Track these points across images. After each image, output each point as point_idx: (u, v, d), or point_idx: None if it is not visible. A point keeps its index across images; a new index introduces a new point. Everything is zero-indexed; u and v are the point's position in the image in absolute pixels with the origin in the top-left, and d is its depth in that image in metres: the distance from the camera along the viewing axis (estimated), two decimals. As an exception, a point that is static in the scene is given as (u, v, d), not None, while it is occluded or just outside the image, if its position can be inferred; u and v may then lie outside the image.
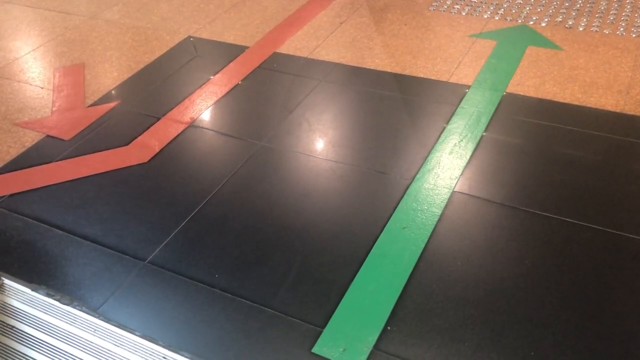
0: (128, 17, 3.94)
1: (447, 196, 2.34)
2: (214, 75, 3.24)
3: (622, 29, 3.50)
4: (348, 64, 3.29)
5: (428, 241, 2.14)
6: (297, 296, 1.96)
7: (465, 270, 2.03)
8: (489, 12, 3.77)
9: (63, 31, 3.79)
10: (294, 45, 3.50)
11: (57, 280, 2.06)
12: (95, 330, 1.88)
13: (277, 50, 3.45)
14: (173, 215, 2.31)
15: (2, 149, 2.73)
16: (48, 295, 2.00)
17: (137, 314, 1.93)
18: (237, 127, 2.82)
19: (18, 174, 2.57)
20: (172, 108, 2.97)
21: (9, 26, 3.90)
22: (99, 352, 1.81)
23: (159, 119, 2.89)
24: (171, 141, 2.73)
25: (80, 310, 1.95)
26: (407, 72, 3.20)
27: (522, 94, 2.96)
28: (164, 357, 1.80)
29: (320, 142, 2.70)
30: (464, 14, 3.78)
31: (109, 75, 3.30)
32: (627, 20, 3.60)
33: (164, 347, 1.82)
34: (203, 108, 2.96)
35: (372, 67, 3.24)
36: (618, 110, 2.81)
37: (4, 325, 1.91)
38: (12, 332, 1.89)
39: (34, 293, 2.02)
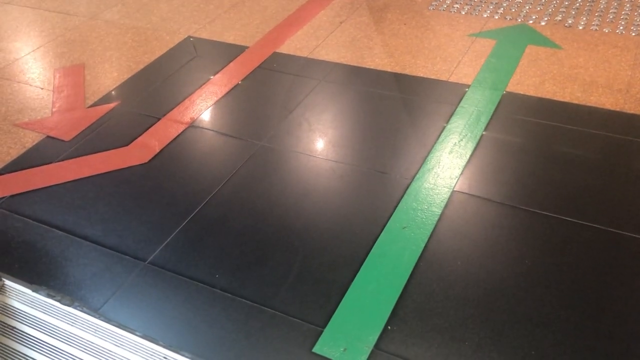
0: (128, 17, 3.94)
1: (447, 195, 2.34)
2: (214, 75, 3.24)
3: (621, 28, 3.50)
4: (348, 64, 3.29)
5: (428, 241, 2.15)
6: (298, 296, 1.97)
7: (465, 270, 2.03)
8: (488, 11, 3.77)
9: (63, 32, 3.79)
10: (294, 45, 3.50)
11: (58, 281, 2.06)
12: (96, 330, 1.88)
13: (277, 50, 3.45)
14: (173, 216, 2.31)
15: (3, 149, 2.73)
16: (49, 295, 2.01)
17: (138, 314, 1.93)
18: (237, 127, 2.82)
19: (18, 175, 2.58)
20: (172, 108, 2.97)
21: (8, 27, 3.90)
22: (100, 353, 1.82)
23: (159, 119, 2.89)
24: (171, 141, 2.74)
25: (80, 310, 1.95)
26: (406, 71, 3.20)
27: (521, 93, 2.96)
28: (164, 357, 1.80)
29: (320, 142, 2.70)
30: (463, 13, 3.78)
31: (109, 75, 3.30)
32: (626, 18, 3.60)
33: (164, 347, 1.82)
34: (203, 108, 2.96)
35: (371, 67, 3.24)
36: (618, 109, 2.81)
37: (4, 326, 1.92)
38: (13, 333, 1.89)
39: (34, 294, 2.02)
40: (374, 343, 1.81)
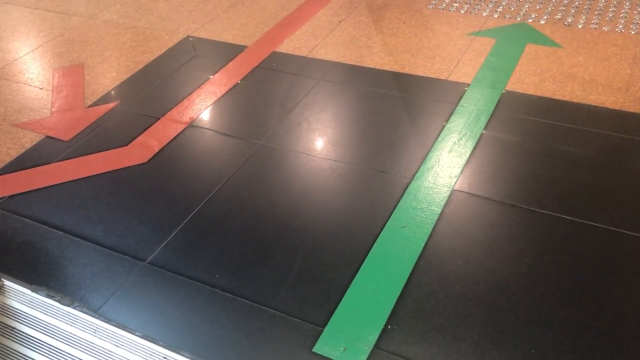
0: (127, 17, 3.93)
1: (446, 195, 2.34)
2: (213, 74, 3.24)
3: (621, 26, 3.50)
4: (347, 63, 3.28)
5: (428, 240, 2.14)
6: (298, 296, 1.97)
7: (465, 269, 2.03)
8: (487, 10, 3.77)
9: (62, 32, 3.78)
10: (293, 45, 3.50)
11: (58, 281, 2.06)
12: (95, 330, 1.88)
13: (276, 50, 3.45)
14: (173, 215, 2.31)
15: (2, 150, 2.73)
16: (48, 296, 2.00)
17: (138, 314, 1.93)
18: (237, 127, 2.82)
19: (18, 175, 2.57)
20: (172, 108, 2.97)
21: (7, 27, 3.89)
22: (100, 353, 1.82)
23: (158, 119, 2.89)
24: (171, 141, 2.73)
25: (80, 311, 1.95)
26: (406, 70, 3.19)
27: (521, 91, 2.96)
28: (164, 358, 1.80)
29: (319, 141, 2.70)
30: (462, 12, 3.77)
31: (108, 75, 3.29)
32: (626, 17, 3.60)
33: (164, 347, 1.82)
34: (202, 108, 2.96)
35: (371, 66, 3.24)
36: (617, 108, 2.81)
37: (4, 327, 1.91)
38: (13, 333, 1.89)
39: (34, 294, 2.02)
40: (374, 342, 1.81)
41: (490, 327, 1.84)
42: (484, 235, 2.16)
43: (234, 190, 2.42)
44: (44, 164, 2.63)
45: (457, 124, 2.74)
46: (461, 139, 2.64)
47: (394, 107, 2.90)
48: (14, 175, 2.57)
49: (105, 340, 1.85)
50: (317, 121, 2.82)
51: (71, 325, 1.90)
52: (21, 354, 1.83)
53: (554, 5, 3.78)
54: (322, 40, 3.53)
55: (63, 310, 1.95)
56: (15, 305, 1.98)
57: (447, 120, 2.77)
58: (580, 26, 3.54)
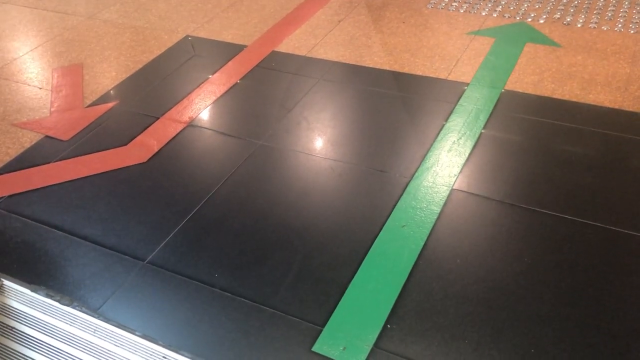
0: (126, 16, 3.93)
1: (446, 194, 2.34)
2: (213, 74, 3.24)
3: (620, 26, 3.50)
4: (346, 62, 3.28)
5: (427, 239, 2.15)
6: (297, 295, 1.97)
7: (464, 268, 2.03)
8: (487, 10, 3.77)
9: (61, 31, 3.78)
10: (292, 44, 3.50)
11: (57, 281, 2.06)
12: (95, 330, 1.88)
13: (276, 49, 3.45)
14: (172, 215, 2.31)
15: (1, 149, 2.73)
16: (48, 296, 2.00)
17: (137, 314, 1.93)
18: (236, 126, 2.82)
19: (17, 175, 2.57)
20: (171, 108, 2.96)
21: (6, 26, 3.89)
22: (99, 353, 1.82)
23: (157, 118, 2.89)
24: (170, 141, 2.73)
25: (80, 310, 1.95)
26: (405, 70, 3.19)
27: (520, 91, 2.96)
28: (164, 357, 1.80)
29: (319, 141, 2.70)
30: (462, 11, 3.77)
31: (107, 75, 3.29)
32: (625, 16, 3.60)
33: (164, 346, 1.82)
34: (202, 107, 2.96)
35: (370, 65, 3.24)
36: (616, 107, 2.81)
37: (3, 326, 1.91)
38: (12, 333, 1.89)
39: (33, 294, 2.02)
40: (373, 342, 1.81)
41: (490, 326, 1.84)
42: (483, 235, 2.16)
43: (233, 190, 2.42)
44: (43, 164, 2.63)
45: (456, 123, 2.74)
46: (460, 138, 2.64)
47: (393, 106, 2.90)
48: (13, 175, 2.57)
49: (105, 340, 1.85)
50: (317, 121, 2.82)
51: (71, 325, 1.90)
52: (21, 353, 1.83)
53: (553, 4, 3.78)
54: (321, 39, 3.53)
55: (62, 309, 1.95)
56: (15, 304, 1.98)
57: (446, 120, 2.77)
58: (579, 25, 3.54)
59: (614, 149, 2.54)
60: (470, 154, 2.55)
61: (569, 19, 3.61)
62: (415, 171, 2.47)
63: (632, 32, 3.43)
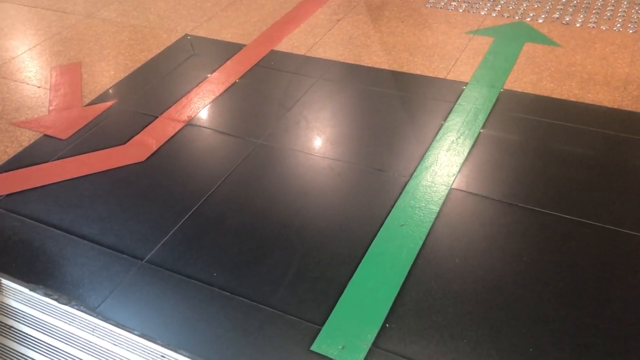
0: (125, 15, 3.93)
1: (444, 193, 2.34)
2: (212, 73, 3.23)
3: (619, 25, 3.50)
4: (345, 62, 3.28)
5: (426, 238, 2.15)
6: (296, 294, 1.96)
7: (463, 267, 2.03)
8: (486, 9, 3.77)
9: (60, 30, 3.78)
10: (291, 43, 3.49)
11: (55, 280, 2.06)
12: (93, 329, 1.88)
13: (275, 48, 3.45)
14: (171, 214, 2.31)
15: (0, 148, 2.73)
16: (46, 294, 2.00)
17: (136, 313, 1.93)
18: (235, 126, 2.81)
19: (15, 174, 2.57)
20: (170, 107, 2.96)
21: (5, 25, 3.89)
22: (98, 352, 1.81)
23: (156, 117, 2.89)
24: (169, 140, 2.73)
25: (78, 309, 1.94)
26: (404, 69, 3.19)
27: (519, 90, 2.96)
28: (162, 356, 1.79)
29: (318, 140, 2.69)
30: (461, 10, 3.77)
31: (105, 74, 3.29)
32: (624, 16, 3.61)
33: (162, 346, 1.82)
34: (200, 106, 2.96)
35: (369, 65, 3.24)
36: (615, 106, 2.81)
37: (2, 325, 1.91)
38: (11, 332, 1.88)
39: (32, 293, 2.01)
40: (372, 341, 1.81)
41: (489, 326, 1.84)
42: (482, 234, 2.16)
43: (232, 189, 2.42)
44: (42, 163, 2.62)
45: (455, 122, 2.74)
46: (459, 137, 2.64)
47: (392, 105, 2.90)
48: (12, 174, 2.57)
49: (103, 339, 1.85)
50: (316, 120, 2.82)
51: (69, 324, 1.90)
52: (19, 352, 1.83)
53: (552, 3, 3.78)
54: (320, 39, 3.52)
55: (61, 309, 1.95)
56: (13, 304, 1.98)
57: (445, 119, 2.77)
58: (578, 25, 3.54)
59: (613, 149, 2.54)
60: (469, 154, 2.55)
61: (567, 19, 3.61)
62: (414, 170, 2.47)
63: (630, 31, 3.43)
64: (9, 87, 3.21)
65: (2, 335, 1.88)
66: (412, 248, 2.11)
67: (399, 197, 2.34)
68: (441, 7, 3.83)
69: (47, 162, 2.63)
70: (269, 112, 2.88)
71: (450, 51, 3.33)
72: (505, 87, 2.99)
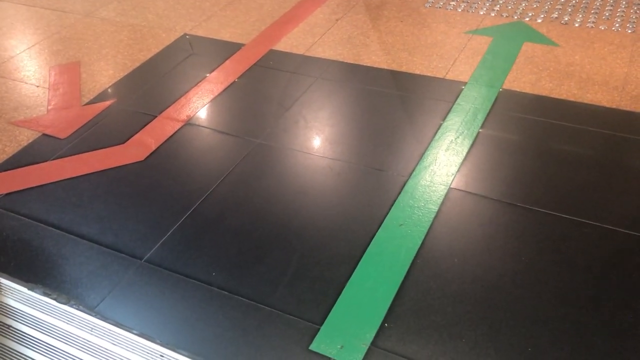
0: (123, 15, 3.93)
1: (443, 193, 2.35)
2: (210, 72, 3.23)
3: (617, 25, 3.51)
4: (344, 61, 3.28)
5: (425, 238, 2.15)
6: (295, 294, 1.96)
7: (462, 267, 2.03)
8: (485, 9, 3.77)
9: (58, 29, 3.77)
10: (290, 43, 3.49)
11: (54, 279, 2.06)
12: (92, 329, 1.88)
13: (274, 48, 3.45)
14: (170, 214, 2.30)
15: (-2, 148, 2.73)
16: (45, 294, 2.00)
17: (135, 312, 1.93)
18: (234, 125, 2.81)
19: (14, 173, 2.57)
20: (169, 106, 2.96)
21: (3, 24, 3.88)
22: (97, 351, 1.81)
23: (155, 117, 2.88)
24: (168, 139, 2.73)
25: (77, 309, 1.94)
26: (403, 69, 3.19)
27: (518, 90, 2.96)
28: (161, 356, 1.79)
29: (317, 140, 2.69)
30: (460, 10, 3.78)
31: (104, 73, 3.29)
32: (622, 16, 3.61)
33: (161, 345, 1.82)
34: (199, 106, 2.96)
35: (368, 64, 3.24)
36: (614, 106, 2.81)
37: (1, 325, 1.91)
38: (9, 332, 1.88)
39: (30, 292, 2.01)
40: (370, 340, 1.81)
41: (487, 325, 1.84)
42: (480, 234, 2.16)
43: (231, 189, 2.42)
44: (41, 162, 2.62)
45: (454, 122, 2.74)
46: (458, 137, 2.65)
47: (391, 105, 2.90)
48: (10, 173, 2.56)
49: (102, 339, 1.85)
50: (315, 119, 2.82)
51: (68, 324, 1.90)
52: (18, 352, 1.82)
53: (550, 3, 3.79)
54: (319, 38, 3.52)
55: (60, 308, 1.95)
56: (12, 303, 1.98)
57: (444, 119, 2.77)
58: (577, 25, 3.54)
59: (612, 148, 2.54)
60: (467, 153, 2.55)
61: (566, 18, 3.61)
62: (413, 170, 2.47)
63: (629, 31, 3.44)
64: (7, 86, 3.21)
65: (1, 335, 1.88)
66: (411, 248, 2.11)
67: (397, 196, 2.34)
68: (440, 7, 3.83)
69: (46, 161, 2.63)
70: (268, 112, 2.88)
71: (449, 51, 3.33)
72: (504, 86, 2.99)
